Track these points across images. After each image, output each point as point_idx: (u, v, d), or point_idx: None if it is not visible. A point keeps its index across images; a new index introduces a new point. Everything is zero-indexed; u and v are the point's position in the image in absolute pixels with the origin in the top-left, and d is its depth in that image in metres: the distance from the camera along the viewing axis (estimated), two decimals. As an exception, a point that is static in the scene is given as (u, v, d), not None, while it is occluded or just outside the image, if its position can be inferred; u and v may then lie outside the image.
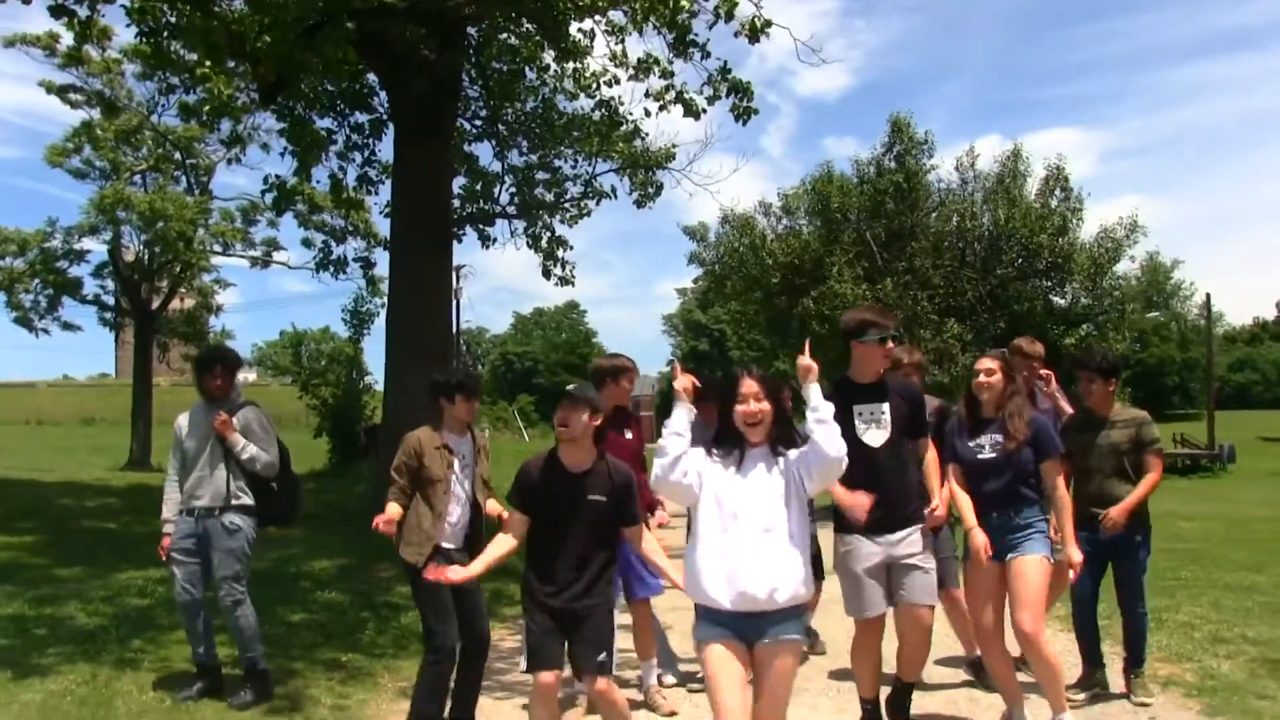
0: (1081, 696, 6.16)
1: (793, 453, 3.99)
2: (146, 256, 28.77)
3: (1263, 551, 11.95)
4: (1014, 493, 5.42)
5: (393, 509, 5.37)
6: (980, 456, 5.50)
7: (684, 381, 4.18)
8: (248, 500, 6.19)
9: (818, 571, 6.85)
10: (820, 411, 3.91)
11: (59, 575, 10.74)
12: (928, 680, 6.46)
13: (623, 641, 6.72)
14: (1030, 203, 23.08)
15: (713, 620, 3.86)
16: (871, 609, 5.31)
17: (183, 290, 31.61)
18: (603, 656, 4.54)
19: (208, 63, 9.27)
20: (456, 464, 5.56)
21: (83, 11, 10.22)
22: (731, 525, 3.86)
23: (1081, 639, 6.43)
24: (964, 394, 5.84)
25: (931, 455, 5.67)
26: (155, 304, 29.88)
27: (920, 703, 5.99)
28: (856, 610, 5.36)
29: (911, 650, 5.47)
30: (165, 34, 10.42)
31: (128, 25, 10.08)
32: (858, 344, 5.37)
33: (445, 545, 5.45)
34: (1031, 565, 5.33)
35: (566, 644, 4.58)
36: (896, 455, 5.35)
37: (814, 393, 3.98)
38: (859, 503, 4.76)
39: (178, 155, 27.25)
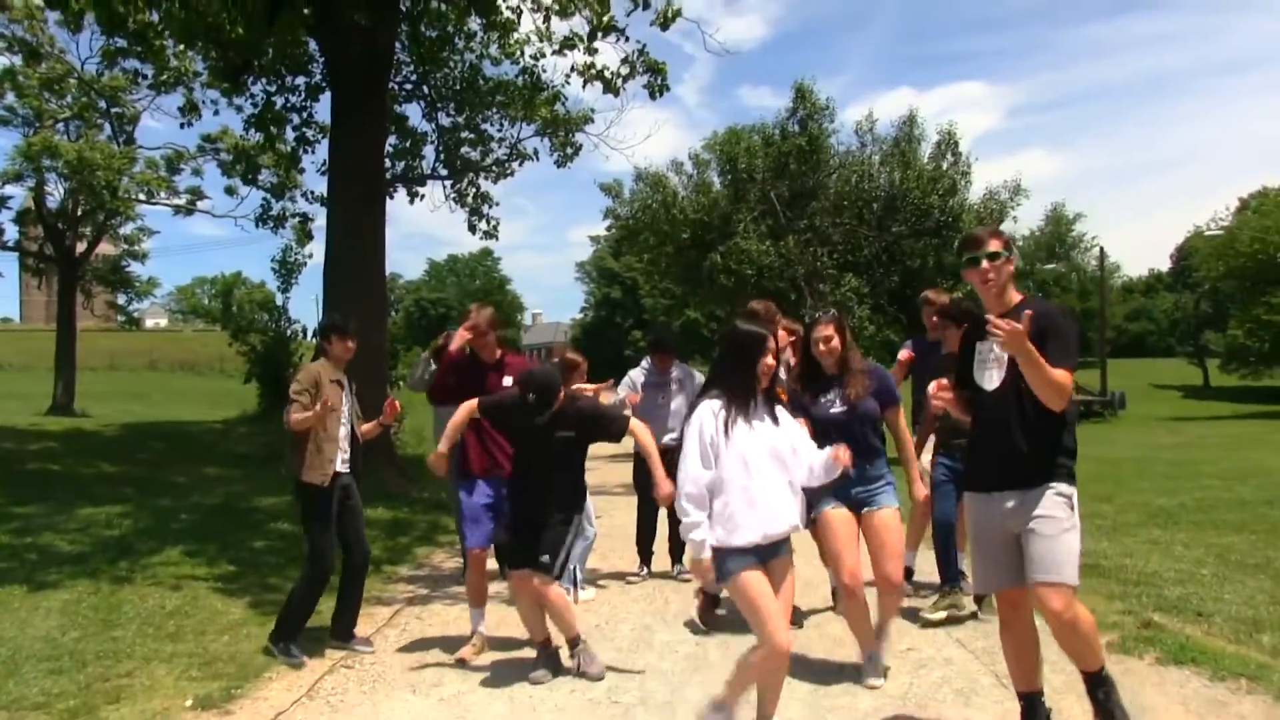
0: (940, 615, 6.44)
1: (793, 432, 4.61)
2: (71, 204, 28.91)
3: (1118, 485, 13.22)
4: (865, 443, 5.50)
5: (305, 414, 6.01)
6: (832, 411, 5.60)
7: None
8: None
9: None
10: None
11: (20, 513, 11.52)
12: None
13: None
14: (923, 165, 24.45)
15: (740, 554, 4.32)
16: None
17: (107, 238, 31.74)
18: (545, 558, 5.57)
19: (181, 46, 10.04)
20: (344, 396, 6.34)
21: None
22: (751, 473, 4.34)
23: (942, 558, 6.69)
24: (801, 354, 5.92)
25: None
26: (79, 251, 30.07)
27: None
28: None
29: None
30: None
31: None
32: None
33: (340, 469, 6.23)
34: (893, 518, 5.56)
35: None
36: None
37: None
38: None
39: (102, 104, 27.28)
